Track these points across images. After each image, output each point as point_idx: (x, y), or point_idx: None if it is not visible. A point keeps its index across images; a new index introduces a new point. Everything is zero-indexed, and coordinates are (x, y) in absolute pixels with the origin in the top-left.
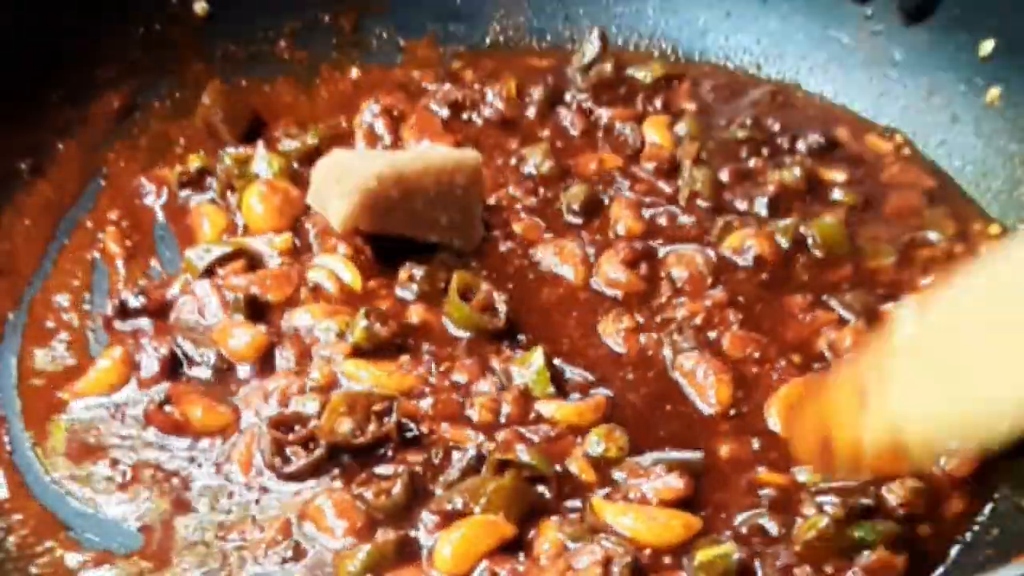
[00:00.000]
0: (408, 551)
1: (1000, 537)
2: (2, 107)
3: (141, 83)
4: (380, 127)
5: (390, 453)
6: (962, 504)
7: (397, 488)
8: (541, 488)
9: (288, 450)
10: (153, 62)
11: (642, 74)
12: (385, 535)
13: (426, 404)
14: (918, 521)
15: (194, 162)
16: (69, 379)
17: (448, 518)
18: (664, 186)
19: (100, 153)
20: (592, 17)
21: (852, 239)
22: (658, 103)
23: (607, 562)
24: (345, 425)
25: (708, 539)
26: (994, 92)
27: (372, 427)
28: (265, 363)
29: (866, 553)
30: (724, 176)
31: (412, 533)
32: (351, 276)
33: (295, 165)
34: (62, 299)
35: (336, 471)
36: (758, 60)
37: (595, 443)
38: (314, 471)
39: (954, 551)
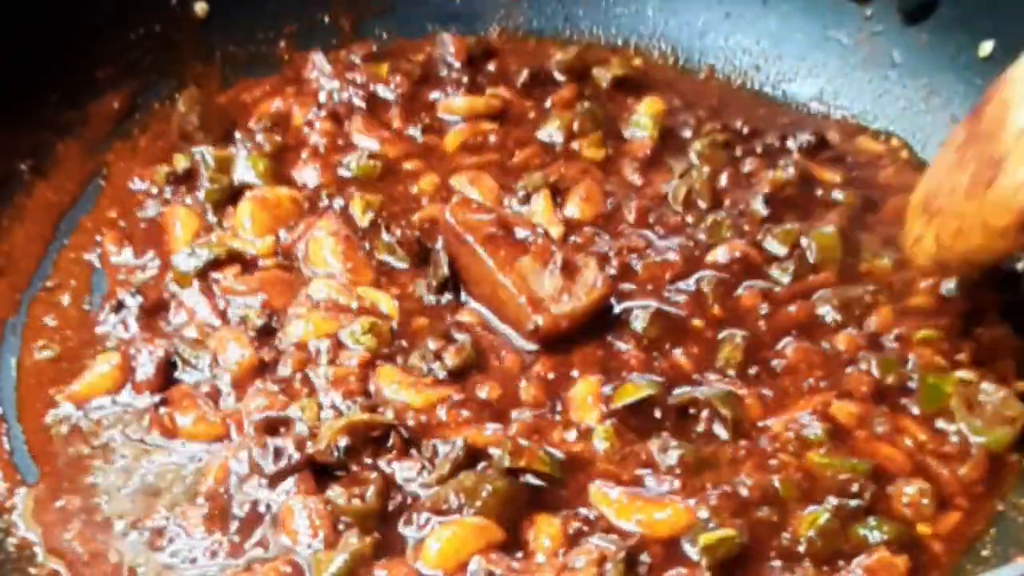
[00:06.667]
0: (390, 547)
1: (1000, 537)
2: (2, 107)
3: (141, 83)
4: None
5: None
6: (966, 507)
7: (370, 493)
8: (543, 484)
9: (271, 453)
10: (153, 62)
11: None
12: (360, 539)
13: (442, 412)
14: (921, 522)
15: (180, 161)
16: (68, 380)
17: (440, 515)
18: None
19: (100, 153)
20: (592, 17)
21: (850, 242)
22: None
23: (602, 560)
24: (340, 444)
25: (710, 523)
26: None
27: (368, 453)
28: (260, 372)
29: (867, 552)
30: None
31: (396, 530)
32: (388, 308)
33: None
34: (61, 300)
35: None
36: (757, 61)
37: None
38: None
39: (955, 552)
